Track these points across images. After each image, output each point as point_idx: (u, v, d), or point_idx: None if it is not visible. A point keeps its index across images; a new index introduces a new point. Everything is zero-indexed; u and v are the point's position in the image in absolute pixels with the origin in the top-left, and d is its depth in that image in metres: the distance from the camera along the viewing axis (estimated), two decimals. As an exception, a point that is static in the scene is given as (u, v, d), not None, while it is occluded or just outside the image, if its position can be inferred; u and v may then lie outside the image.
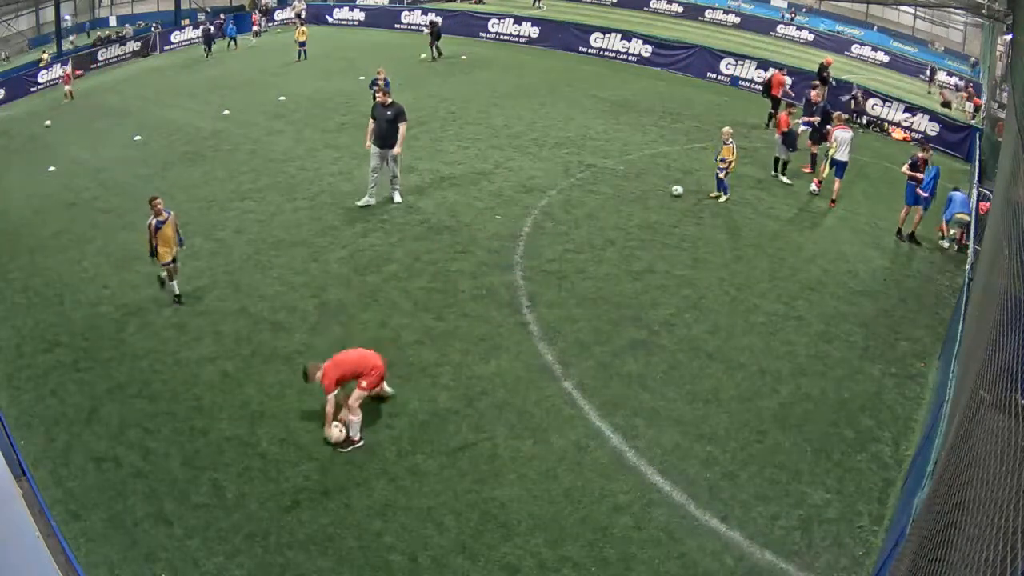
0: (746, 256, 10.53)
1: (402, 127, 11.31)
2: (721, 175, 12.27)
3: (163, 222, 8.78)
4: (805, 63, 23.64)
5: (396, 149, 11.36)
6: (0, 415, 6.65)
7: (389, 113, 11.19)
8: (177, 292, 9.15)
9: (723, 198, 12.35)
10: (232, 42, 27.41)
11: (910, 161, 11.67)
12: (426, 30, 24.98)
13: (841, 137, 12.53)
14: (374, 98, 13.10)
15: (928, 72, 30.91)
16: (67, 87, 22.28)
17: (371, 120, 11.44)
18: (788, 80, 18.12)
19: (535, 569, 5.50)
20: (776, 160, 13.62)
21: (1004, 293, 4.33)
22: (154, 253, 8.90)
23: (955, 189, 11.96)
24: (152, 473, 6.40)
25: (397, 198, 11.92)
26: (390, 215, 11.50)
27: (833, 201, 12.60)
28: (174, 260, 9.04)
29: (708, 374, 7.84)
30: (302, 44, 24.32)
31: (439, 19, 26.34)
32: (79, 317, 8.98)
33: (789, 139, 13.31)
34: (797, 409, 7.36)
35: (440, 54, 23.89)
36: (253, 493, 6.17)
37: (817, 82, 17.75)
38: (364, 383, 6.65)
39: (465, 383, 7.59)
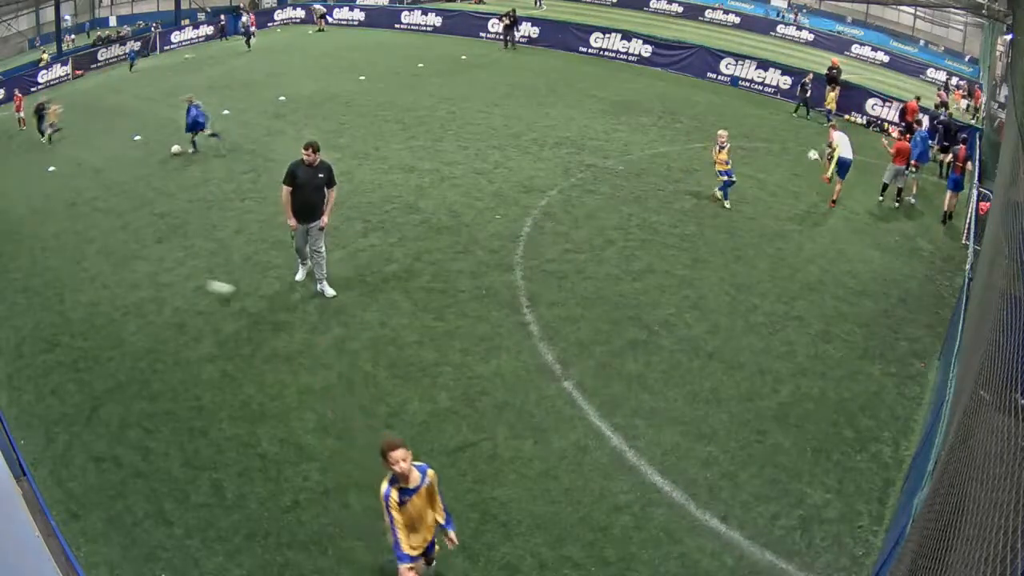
0: (746, 256, 10.53)
1: (331, 193, 8.75)
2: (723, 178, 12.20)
3: (413, 491, 4.36)
4: (805, 63, 23.66)
5: (324, 220, 8.70)
6: (0, 415, 6.65)
7: (321, 176, 8.56)
8: None
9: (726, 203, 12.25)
10: (248, 40, 27.46)
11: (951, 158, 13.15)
12: (504, 20, 24.98)
13: (840, 137, 12.58)
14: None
15: (943, 86, 28.25)
16: (20, 114, 18.29)
17: (286, 187, 8.54)
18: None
19: (535, 569, 5.50)
20: (885, 186, 13.06)
21: (1004, 293, 4.33)
22: (396, 539, 4.39)
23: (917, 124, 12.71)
24: (152, 473, 6.39)
25: (328, 291, 9.04)
26: (390, 215, 11.50)
27: (833, 201, 12.61)
28: (431, 551, 4.78)
29: (708, 374, 7.84)
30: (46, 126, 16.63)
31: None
32: (79, 317, 8.97)
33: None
34: (797, 409, 7.36)
35: (514, 44, 24.26)
36: (253, 493, 6.16)
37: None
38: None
39: (465, 383, 7.59)
